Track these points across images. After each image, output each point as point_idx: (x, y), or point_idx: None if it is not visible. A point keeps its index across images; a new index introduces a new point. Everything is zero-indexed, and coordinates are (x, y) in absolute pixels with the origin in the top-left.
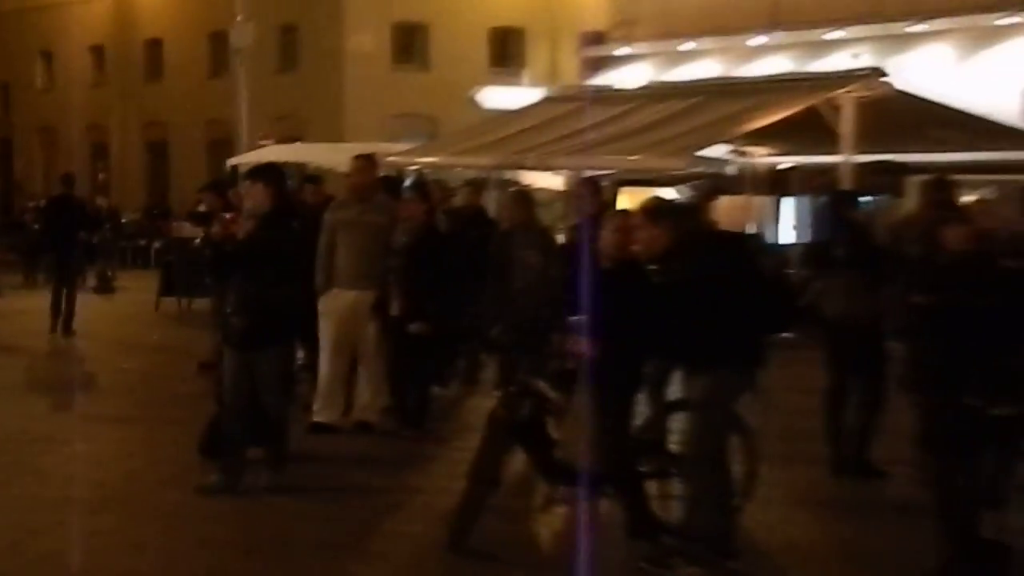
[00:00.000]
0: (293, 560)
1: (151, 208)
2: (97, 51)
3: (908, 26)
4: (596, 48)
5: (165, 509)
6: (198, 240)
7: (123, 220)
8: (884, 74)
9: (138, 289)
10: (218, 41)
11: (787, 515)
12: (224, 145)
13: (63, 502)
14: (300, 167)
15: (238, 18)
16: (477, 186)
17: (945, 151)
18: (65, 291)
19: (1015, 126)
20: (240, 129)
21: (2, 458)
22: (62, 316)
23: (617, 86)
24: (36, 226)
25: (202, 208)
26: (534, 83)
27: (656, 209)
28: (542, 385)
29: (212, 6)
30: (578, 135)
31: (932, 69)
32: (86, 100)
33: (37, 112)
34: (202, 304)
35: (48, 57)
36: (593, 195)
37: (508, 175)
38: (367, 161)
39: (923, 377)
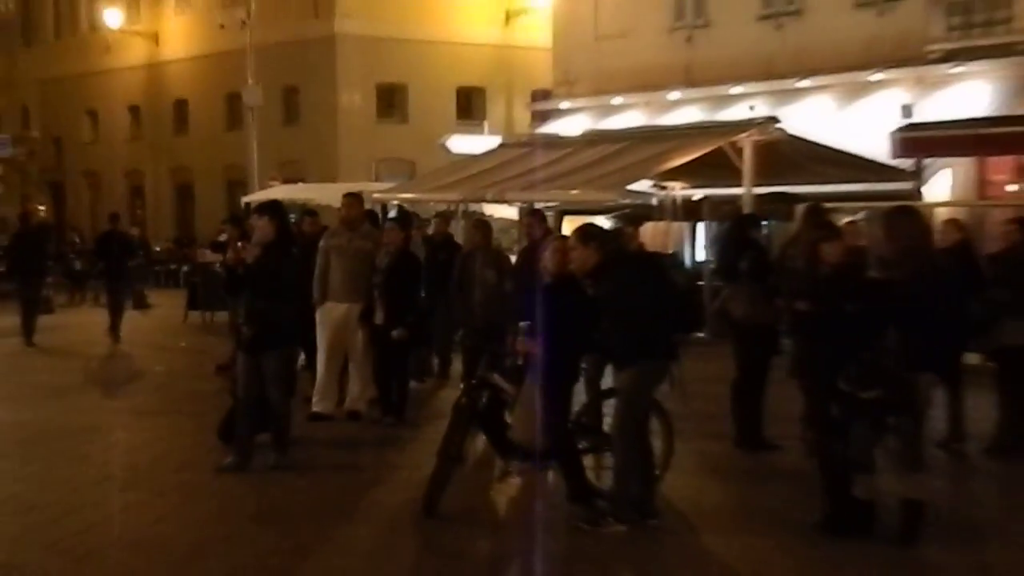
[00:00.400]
0: (294, 525)
1: (179, 239)
2: (134, 110)
3: (796, 82)
4: (543, 103)
5: (187, 485)
6: (219, 265)
7: (157, 248)
8: (777, 121)
9: (169, 305)
10: (233, 100)
11: (699, 482)
12: (239, 185)
13: (103, 481)
14: (302, 203)
15: (250, 82)
16: (446, 217)
17: (826, 183)
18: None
19: (882, 162)
20: (252, 172)
21: (53, 446)
22: (112, 327)
23: (561, 133)
24: (72, 256)
25: (222, 238)
26: (493, 132)
27: (585, 233)
28: (497, 378)
29: (228, 72)
30: (529, 174)
31: (816, 117)
32: (125, 151)
33: (84, 161)
34: (221, 317)
35: (93, 115)
36: (540, 223)
37: (472, 207)
38: (355, 198)
39: (807, 368)
